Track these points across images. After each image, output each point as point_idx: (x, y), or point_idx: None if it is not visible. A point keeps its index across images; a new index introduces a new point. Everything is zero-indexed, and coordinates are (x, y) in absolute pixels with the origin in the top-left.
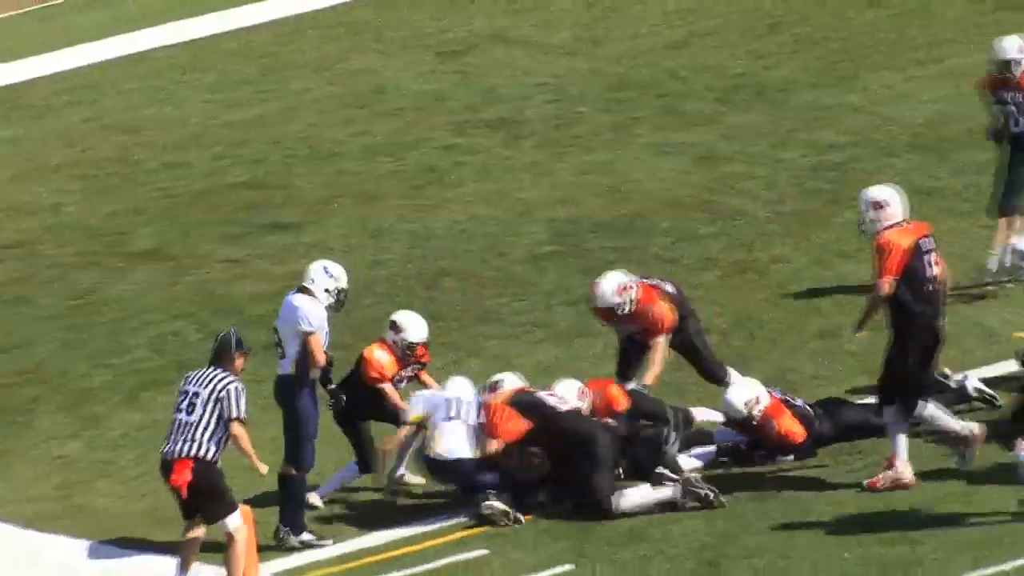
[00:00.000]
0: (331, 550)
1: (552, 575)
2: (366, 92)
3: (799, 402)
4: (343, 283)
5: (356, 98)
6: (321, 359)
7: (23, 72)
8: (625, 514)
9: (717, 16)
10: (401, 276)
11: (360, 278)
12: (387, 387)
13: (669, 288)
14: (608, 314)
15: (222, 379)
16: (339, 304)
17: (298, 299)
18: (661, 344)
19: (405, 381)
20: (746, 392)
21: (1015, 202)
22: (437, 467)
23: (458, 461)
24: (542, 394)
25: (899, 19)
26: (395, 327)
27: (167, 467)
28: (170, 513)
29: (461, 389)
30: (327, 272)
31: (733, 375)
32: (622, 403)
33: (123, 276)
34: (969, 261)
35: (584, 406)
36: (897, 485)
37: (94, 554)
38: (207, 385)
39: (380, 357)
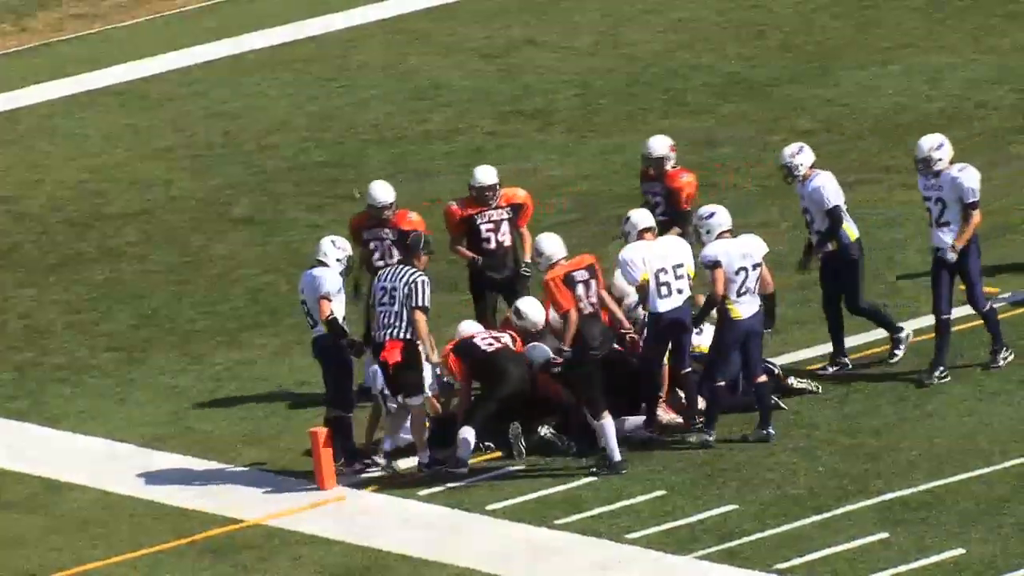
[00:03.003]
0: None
1: (577, 486)
2: (424, 87)
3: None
4: (348, 251)
5: (415, 92)
6: (325, 315)
7: (147, 69)
8: None
9: (713, 24)
10: None
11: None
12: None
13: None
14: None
15: (411, 273)
16: (347, 269)
17: (317, 270)
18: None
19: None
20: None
21: None
22: None
23: None
24: None
25: (864, 27)
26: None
27: (380, 347)
28: (262, 436)
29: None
30: (335, 244)
31: None
32: None
33: (224, 238)
34: (920, 225)
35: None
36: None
37: (198, 469)
38: (400, 279)
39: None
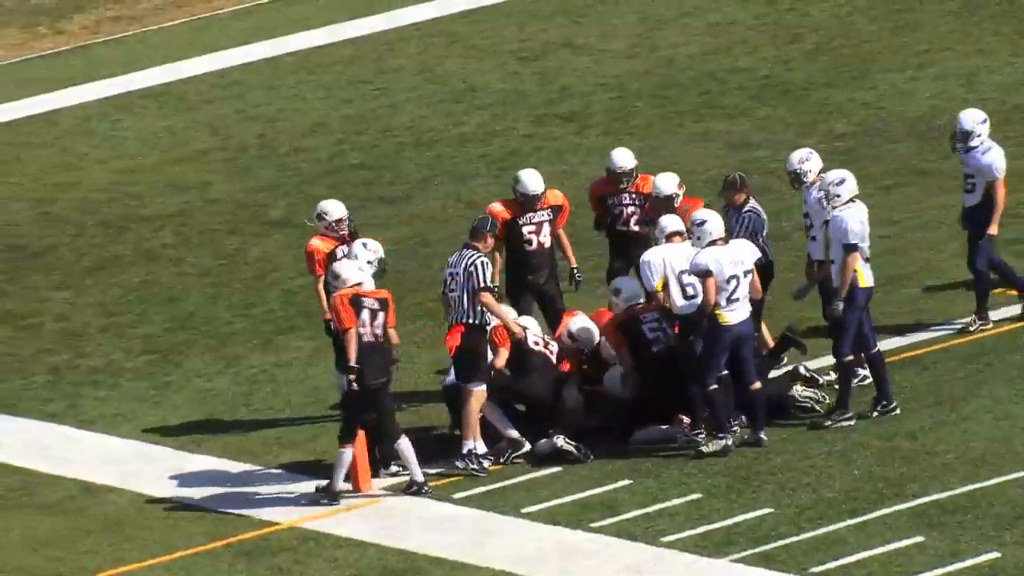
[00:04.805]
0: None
1: (614, 488)
2: (460, 90)
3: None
4: (380, 252)
5: (451, 95)
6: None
7: (183, 71)
8: None
9: (749, 28)
10: None
11: (458, 241)
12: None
13: None
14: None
15: (471, 256)
16: (382, 271)
17: None
18: None
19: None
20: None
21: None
22: None
23: None
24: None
25: (900, 30)
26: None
27: (448, 332)
28: (297, 438)
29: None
30: (366, 247)
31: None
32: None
33: (260, 241)
34: (954, 228)
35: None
36: None
37: (233, 471)
38: (461, 264)
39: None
